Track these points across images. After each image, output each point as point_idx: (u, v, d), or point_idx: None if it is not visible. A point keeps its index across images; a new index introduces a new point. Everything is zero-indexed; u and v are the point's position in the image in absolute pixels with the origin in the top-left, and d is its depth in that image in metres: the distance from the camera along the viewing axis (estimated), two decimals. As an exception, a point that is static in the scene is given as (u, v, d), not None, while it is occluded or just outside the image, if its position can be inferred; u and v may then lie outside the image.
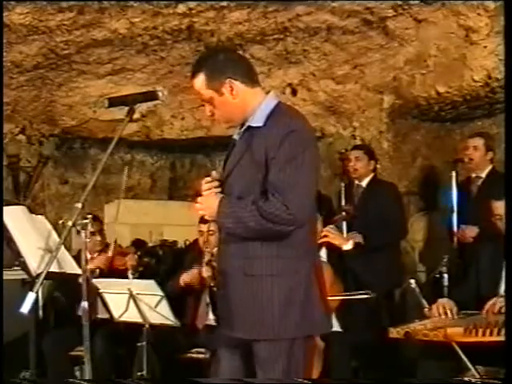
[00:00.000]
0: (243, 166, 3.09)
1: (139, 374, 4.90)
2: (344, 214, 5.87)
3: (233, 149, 3.21)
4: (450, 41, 6.20)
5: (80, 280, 3.54)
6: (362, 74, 6.89)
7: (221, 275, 3.22)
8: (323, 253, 5.17)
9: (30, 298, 2.98)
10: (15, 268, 5.59)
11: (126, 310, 4.90)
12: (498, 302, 3.97)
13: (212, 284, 5.13)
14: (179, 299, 5.39)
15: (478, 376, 3.70)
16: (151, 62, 6.78)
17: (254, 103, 3.16)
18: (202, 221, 5.24)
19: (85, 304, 3.50)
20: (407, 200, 7.05)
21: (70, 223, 3.09)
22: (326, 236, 5.07)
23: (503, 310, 3.81)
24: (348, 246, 5.06)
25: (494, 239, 4.44)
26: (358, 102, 7.18)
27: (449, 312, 4.06)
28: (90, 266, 5.67)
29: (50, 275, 3.27)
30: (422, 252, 7.31)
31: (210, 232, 5.15)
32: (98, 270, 5.68)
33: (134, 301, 4.82)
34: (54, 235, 4.08)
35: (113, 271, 5.62)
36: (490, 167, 6.07)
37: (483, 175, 6.07)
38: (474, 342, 3.61)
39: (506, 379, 2.92)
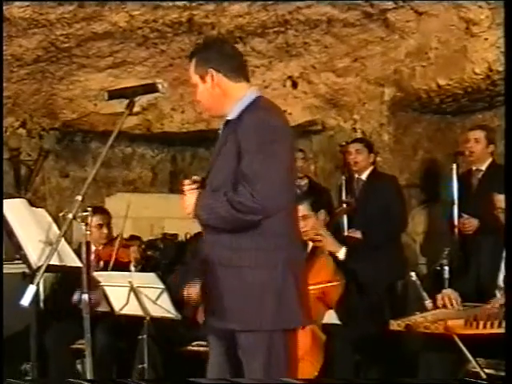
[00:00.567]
0: (221, 159, 3.20)
1: (140, 366, 4.91)
2: (345, 206, 5.87)
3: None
4: (450, 33, 6.20)
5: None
6: (363, 67, 6.89)
7: (203, 265, 3.28)
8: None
9: (31, 290, 2.99)
10: (16, 261, 5.60)
11: (127, 303, 4.90)
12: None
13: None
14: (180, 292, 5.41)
15: (478, 368, 3.71)
16: (151, 55, 6.77)
17: (236, 97, 3.26)
18: None
19: (85, 296, 3.51)
20: (408, 193, 7.04)
21: (70, 216, 3.10)
22: (319, 241, 5.07)
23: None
24: (341, 254, 5.05)
25: (495, 232, 4.45)
26: (359, 94, 7.17)
27: (454, 302, 4.06)
28: (93, 258, 5.73)
29: (50, 268, 3.28)
30: (423, 245, 7.32)
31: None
32: (102, 263, 5.70)
33: (135, 294, 4.83)
34: (55, 228, 4.08)
35: (116, 263, 5.62)
36: (490, 160, 6.06)
37: (484, 168, 6.07)
38: (474, 334, 3.61)
39: (506, 372, 2.93)
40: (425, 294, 4.22)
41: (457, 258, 5.76)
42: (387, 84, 6.96)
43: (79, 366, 5.52)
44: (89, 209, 3.43)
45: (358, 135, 7.12)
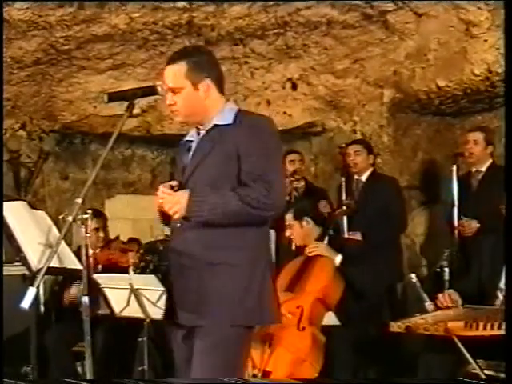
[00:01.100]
0: (209, 164, 3.17)
1: (140, 368, 4.91)
2: (345, 208, 5.87)
3: (189, 150, 3.30)
4: (450, 35, 6.20)
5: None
6: (363, 69, 6.89)
7: (178, 263, 3.22)
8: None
9: (31, 293, 2.98)
10: (16, 263, 5.60)
11: (127, 305, 4.89)
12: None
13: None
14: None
15: (478, 370, 3.70)
16: (151, 57, 6.77)
17: (217, 108, 3.25)
18: None
19: (85, 299, 3.50)
20: (408, 194, 7.04)
21: (70, 218, 3.09)
22: (313, 251, 5.09)
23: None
24: (337, 260, 5.06)
25: (495, 233, 4.44)
26: (359, 96, 7.17)
27: (455, 302, 4.06)
28: (90, 262, 5.72)
29: (50, 270, 3.27)
30: (423, 246, 7.32)
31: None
32: (100, 266, 5.69)
33: (135, 296, 4.82)
34: (55, 230, 4.08)
35: (114, 268, 5.62)
36: (490, 161, 6.07)
37: (483, 169, 6.07)
38: (475, 335, 3.61)
39: (506, 373, 2.93)
40: (425, 296, 4.22)
41: (457, 260, 5.76)
42: (387, 85, 6.96)
43: (79, 369, 5.52)
44: (89, 211, 3.43)
45: (358, 137, 7.12)
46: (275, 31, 6.41)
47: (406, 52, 6.58)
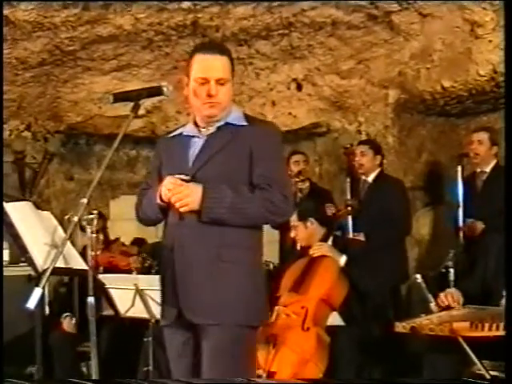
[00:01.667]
0: (220, 161, 3.14)
1: (145, 369, 4.91)
2: (349, 208, 5.87)
3: (191, 145, 3.23)
4: (455, 35, 6.19)
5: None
6: (367, 69, 6.89)
7: (186, 261, 3.16)
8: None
9: (37, 293, 2.98)
10: (21, 264, 5.61)
11: (132, 306, 4.89)
12: None
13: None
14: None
15: (483, 370, 3.70)
16: (156, 58, 6.78)
17: (230, 107, 3.26)
18: None
19: (91, 299, 3.51)
20: (412, 195, 7.04)
21: (75, 219, 3.09)
22: (317, 251, 5.10)
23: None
24: (341, 261, 5.06)
25: (501, 233, 4.43)
26: (363, 96, 7.17)
27: (456, 301, 4.06)
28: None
29: (56, 271, 3.28)
30: (427, 247, 7.31)
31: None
32: (101, 268, 5.69)
33: (141, 296, 4.82)
34: (60, 231, 4.08)
35: (116, 270, 5.62)
36: (494, 162, 6.07)
37: (488, 170, 6.07)
38: (480, 336, 3.61)
39: (506, 373, 2.93)
40: (430, 296, 4.22)
41: (462, 260, 5.75)
42: (391, 86, 6.96)
43: (84, 369, 5.53)
44: (94, 212, 3.43)
45: (363, 137, 7.12)
46: (280, 32, 6.41)
47: (411, 52, 6.57)
